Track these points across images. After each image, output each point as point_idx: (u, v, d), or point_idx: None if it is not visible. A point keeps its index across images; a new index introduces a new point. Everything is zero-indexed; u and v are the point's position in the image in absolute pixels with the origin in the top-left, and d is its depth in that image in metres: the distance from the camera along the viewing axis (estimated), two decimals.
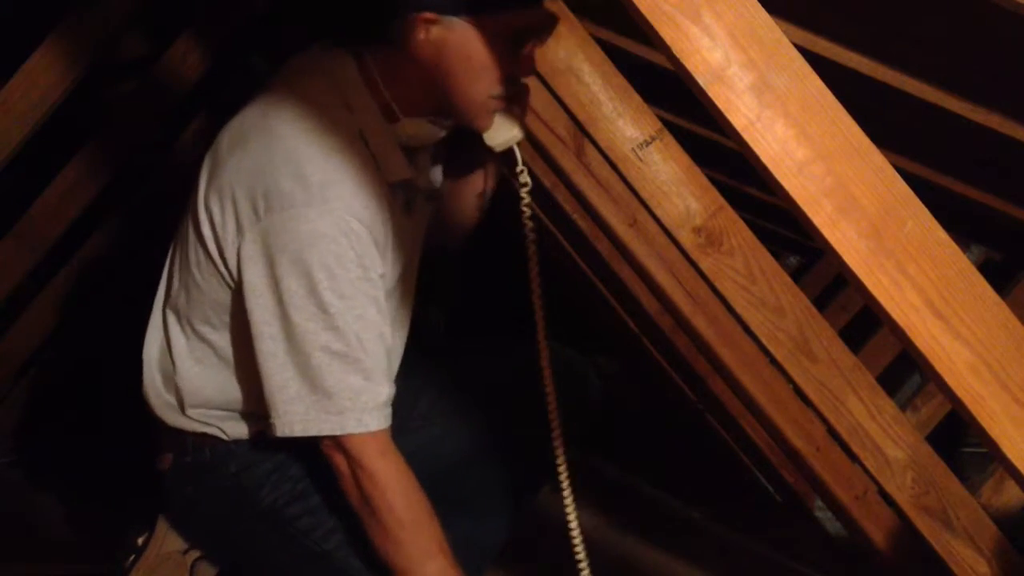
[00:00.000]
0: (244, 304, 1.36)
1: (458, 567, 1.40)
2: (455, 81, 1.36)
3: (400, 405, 1.65)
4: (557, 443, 1.50)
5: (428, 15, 1.32)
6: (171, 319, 1.48)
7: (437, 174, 1.64)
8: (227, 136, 1.39)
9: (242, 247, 1.34)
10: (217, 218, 1.36)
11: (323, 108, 1.36)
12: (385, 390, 1.38)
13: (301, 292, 1.32)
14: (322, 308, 1.32)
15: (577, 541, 1.49)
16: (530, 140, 2.06)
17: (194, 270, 1.43)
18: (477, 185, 1.63)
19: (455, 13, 1.32)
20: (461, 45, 1.33)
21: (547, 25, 1.41)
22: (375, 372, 1.37)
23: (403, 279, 1.50)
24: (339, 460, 1.38)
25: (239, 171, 1.34)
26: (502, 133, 1.44)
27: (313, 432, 1.36)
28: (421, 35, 1.33)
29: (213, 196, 1.37)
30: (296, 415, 1.36)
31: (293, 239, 1.31)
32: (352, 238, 1.32)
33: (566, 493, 1.49)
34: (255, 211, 1.32)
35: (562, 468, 1.50)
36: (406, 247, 1.47)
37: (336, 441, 1.37)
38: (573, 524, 1.49)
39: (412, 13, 1.32)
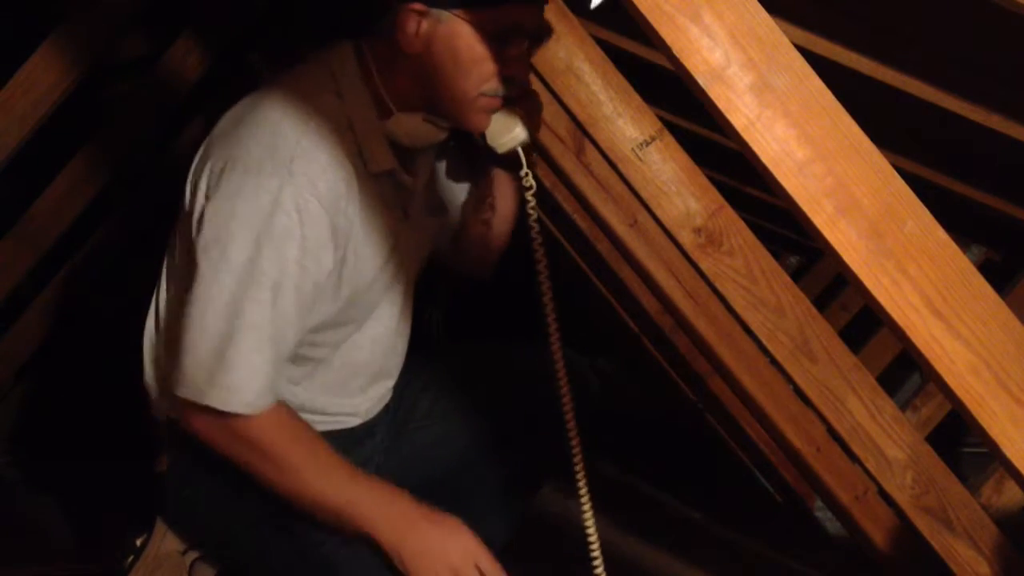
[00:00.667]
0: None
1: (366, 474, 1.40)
2: (443, 75, 1.36)
3: (402, 406, 1.65)
4: (575, 445, 1.48)
5: (418, 6, 1.33)
6: (163, 317, 1.48)
7: (446, 190, 1.63)
8: (222, 122, 1.42)
9: (206, 207, 1.35)
10: (195, 189, 1.38)
11: (312, 93, 1.38)
12: (271, 379, 1.36)
13: (241, 259, 1.32)
14: (256, 278, 1.32)
15: (593, 540, 1.46)
16: (532, 142, 2.06)
17: (177, 257, 1.43)
18: (492, 203, 1.62)
19: (444, 6, 1.33)
20: (449, 39, 1.34)
21: (537, 25, 1.41)
22: (278, 357, 1.36)
23: (385, 279, 1.49)
24: (216, 434, 1.37)
25: (222, 146, 1.37)
26: (504, 134, 1.43)
27: (203, 401, 1.34)
28: (412, 27, 1.34)
29: (198, 170, 1.39)
30: (190, 379, 1.34)
31: (249, 205, 1.31)
32: (305, 216, 1.32)
33: (583, 493, 1.47)
34: (222, 173, 1.34)
35: (580, 471, 1.47)
36: (393, 250, 1.47)
37: (218, 415, 1.35)
38: (589, 523, 1.46)
39: (403, 4, 1.34)
